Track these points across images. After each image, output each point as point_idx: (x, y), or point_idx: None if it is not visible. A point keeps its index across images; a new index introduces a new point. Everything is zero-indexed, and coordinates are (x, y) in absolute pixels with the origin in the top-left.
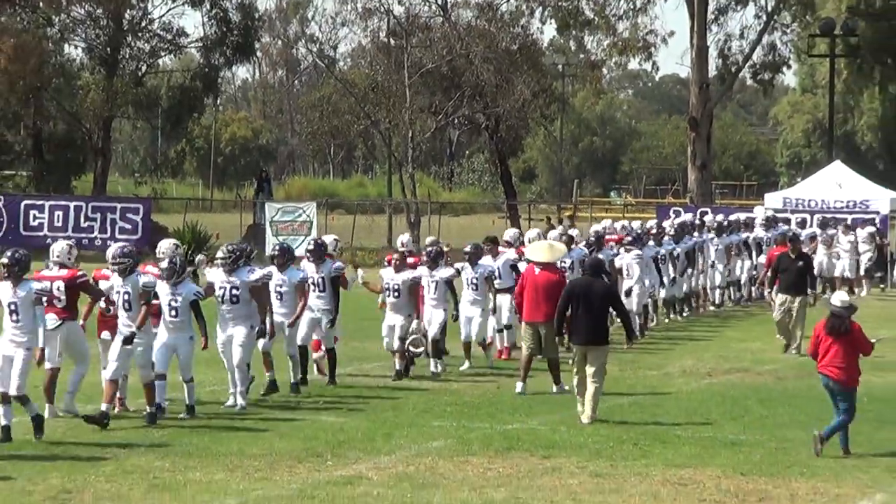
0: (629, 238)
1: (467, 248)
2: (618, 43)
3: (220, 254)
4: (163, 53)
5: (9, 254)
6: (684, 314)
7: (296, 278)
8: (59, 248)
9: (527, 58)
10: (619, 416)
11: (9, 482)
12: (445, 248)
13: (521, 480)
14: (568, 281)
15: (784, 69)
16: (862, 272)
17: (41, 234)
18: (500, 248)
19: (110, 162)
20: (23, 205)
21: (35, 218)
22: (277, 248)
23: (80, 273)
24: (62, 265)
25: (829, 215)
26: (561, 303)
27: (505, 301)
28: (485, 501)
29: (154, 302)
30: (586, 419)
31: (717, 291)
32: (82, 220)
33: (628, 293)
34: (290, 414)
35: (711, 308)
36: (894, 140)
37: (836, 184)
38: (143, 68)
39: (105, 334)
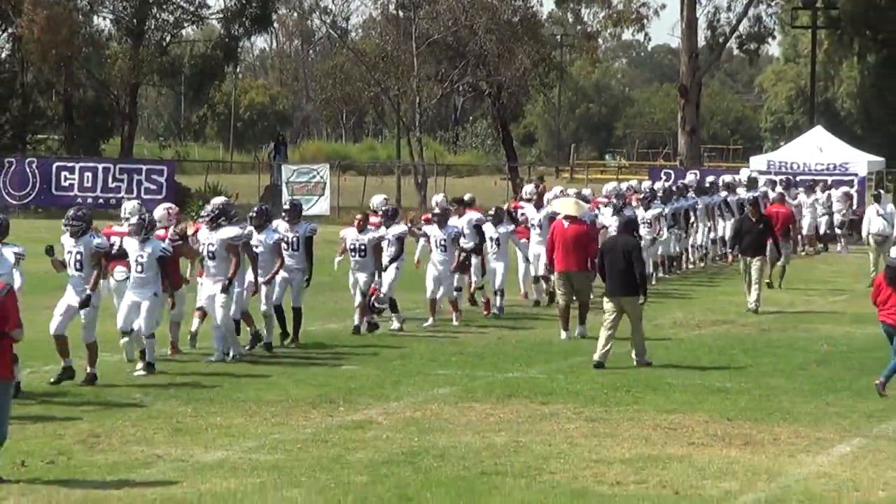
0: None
1: (435, 210)
2: (612, 15)
3: (203, 211)
4: (186, 24)
5: (255, 207)
6: (672, 272)
7: (271, 239)
8: (130, 206)
9: (527, 29)
10: (613, 365)
11: (40, 425)
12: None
13: (521, 425)
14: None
15: (769, 40)
16: (837, 230)
17: (71, 194)
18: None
19: (136, 126)
20: (54, 167)
21: (66, 179)
22: (255, 209)
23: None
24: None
25: (809, 177)
26: (599, 259)
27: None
28: (487, 445)
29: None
30: (599, 359)
31: (699, 250)
32: (110, 181)
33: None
34: (304, 362)
35: (692, 266)
36: (872, 107)
37: (817, 148)
38: (168, 38)
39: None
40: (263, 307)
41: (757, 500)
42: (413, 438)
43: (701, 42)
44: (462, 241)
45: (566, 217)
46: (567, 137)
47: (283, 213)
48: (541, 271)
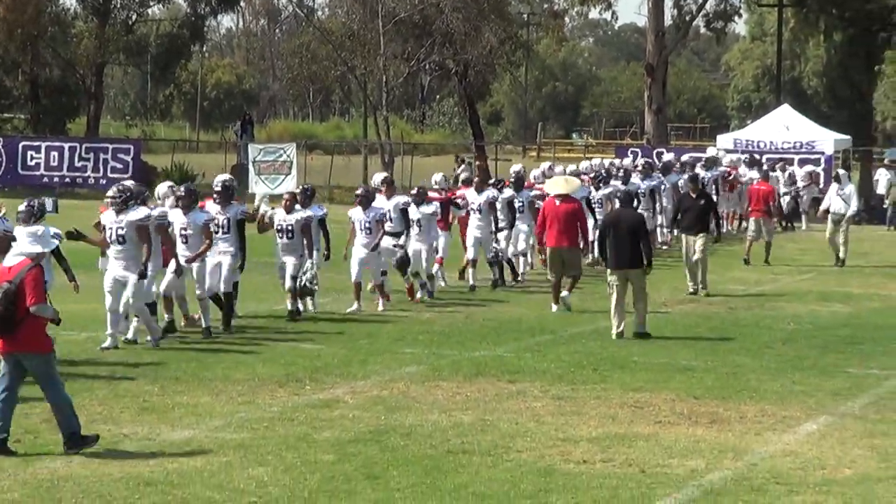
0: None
1: (358, 191)
2: None
3: (109, 193)
4: (152, 3)
5: (183, 187)
6: None
7: (200, 220)
8: (162, 189)
9: (493, 7)
10: (579, 344)
11: None
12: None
13: (488, 403)
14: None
15: (735, 18)
16: (801, 209)
17: (38, 173)
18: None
19: (102, 105)
20: (21, 146)
21: (32, 158)
22: (182, 189)
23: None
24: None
25: (776, 155)
26: (600, 232)
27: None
28: (454, 423)
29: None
30: (615, 334)
31: (666, 229)
32: (76, 160)
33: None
34: (271, 341)
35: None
36: (838, 85)
37: (784, 126)
38: (134, 17)
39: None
40: (198, 291)
41: (723, 479)
42: (380, 417)
43: (668, 21)
44: (388, 225)
45: (557, 196)
46: (534, 116)
47: (214, 194)
48: (470, 255)
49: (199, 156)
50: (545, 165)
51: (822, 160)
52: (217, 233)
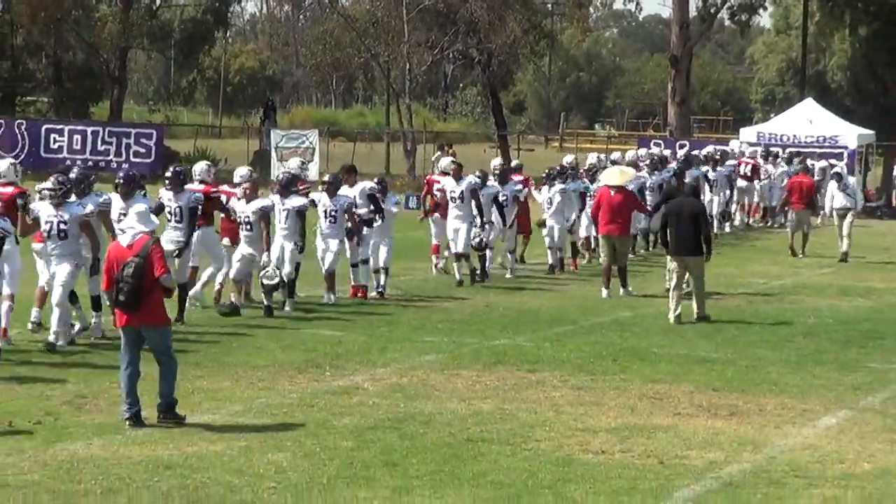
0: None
1: (326, 177)
2: None
3: (47, 184)
4: None
5: (175, 168)
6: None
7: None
8: (199, 167)
9: None
10: (599, 334)
11: (28, 386)
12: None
13: (507, 392)
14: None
15: (760, 11)
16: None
17: (60, 156)
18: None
19: (126, 90)
20: (43, 129)
21: (55, 141)
22: (121, 176)
23: (213, 189)
24: (202, 181)
25: (799, 149)
26: (661, 220)
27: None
28: (473, 412)
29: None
30: (672, 318)
31: None
32: (99, 144)
33: (542, 224)
34: (291, 328)
35: None
36: (862, 79)
37: (808, 120)
38: (158, 2)
39: (225, 241)
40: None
41: (742, 471)
42: (399, 404)
43: (692, 12)
44: (363, 211)
45: (611, 186)
46: (557, 106)
47: (166, 181)
48: (460, 248)
49: (221, 141)
50: (594, 156)
51: (845, 154)
52: (170, 221)
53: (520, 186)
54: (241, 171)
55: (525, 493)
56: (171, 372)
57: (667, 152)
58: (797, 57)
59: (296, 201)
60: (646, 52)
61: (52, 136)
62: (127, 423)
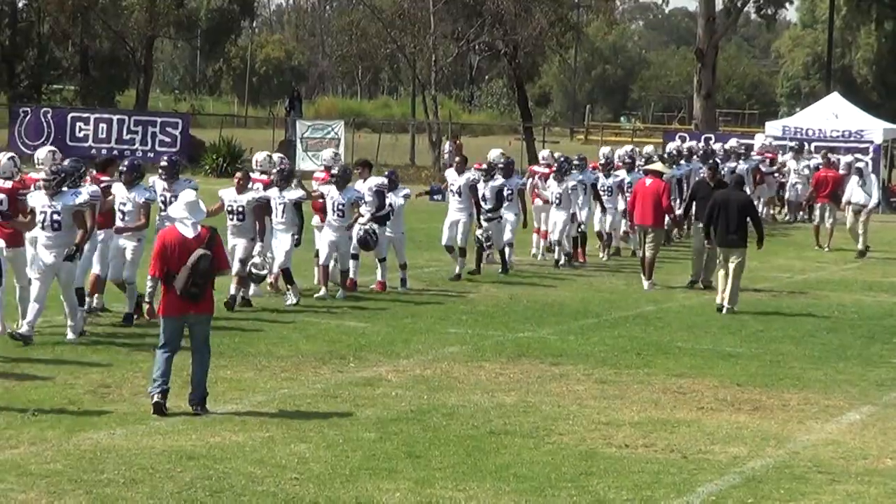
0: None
1: (334, 171)
2: None
3: (42, 175)
4: None
5: (170, 157)
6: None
7: (141, 197)
8: (260, 157)
9: None
10: (623, 328)
11: (52, 374)
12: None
13: (530, 385)
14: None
15: (786, 4)
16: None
17: (85, 145)
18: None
19: (152, 79)
20: (69, 117)
21: (81, 130)
22: (126, 164)
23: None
24: (263, 171)
25: (824, 143)
26: (707, 211)
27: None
28: (496, 404)
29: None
30: (721, 303)
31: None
32: (125, 132)
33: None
34: (315, 318)
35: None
36: (888, 74)
37: (833, 114)
38: None
39: (315, 220)
40: (126, 273)
41: (765, 466)
42: (422, 396)
43: (718, 6)
44: (364, 207)
45: (648, 174)
46: (582, 99)
47: (160, 170)
48: (444, 240)
49: (246, 131)
50: (628, 147)
51: (871, 149)
52: (164, 210)
53: (524, 180)
54: (326, 155)
55: (548, 487)
56: (207, 361)
57: (692, 144)
58: (823, 51)
59: (293, 194)
60: (672, 45)
61: (78, 124)
62: (155, 398)
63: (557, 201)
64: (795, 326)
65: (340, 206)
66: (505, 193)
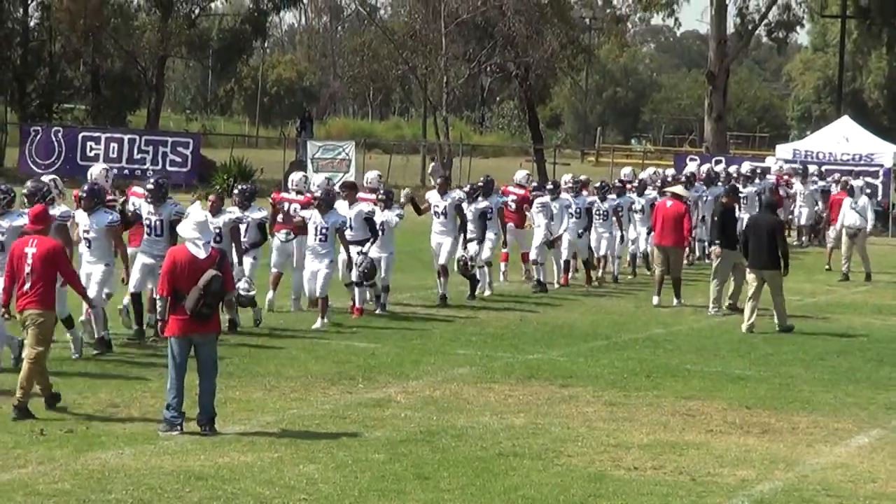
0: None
1: (318, 193)
2: None
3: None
4: None
5: (157, 180)
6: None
7: (104, 222)
8: (297, 177)
9: (556, 11)
10: (633, 350)
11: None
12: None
13: (539, 407)
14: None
15: (797, 28)
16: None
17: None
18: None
19: (163, 98)
20: (80, 136)
21: (91, 149)
22: (85, 189)
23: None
24: (299, 192)
25: (835, 167)
26: (742, 235)
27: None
28: (505, 426)
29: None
30: (745, 328)
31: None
32: (136, 152)
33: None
34: (325, 339)
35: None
36: None
37: (844, 137)
38: (196, 11)
39: None
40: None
41: (774, 489)
42: (431, 417)
43: (730, 29)
44: (349, 233)
45: (670, 196)
46: (593, 121)
47: (147, 193)
48: (441, 260)
49: (258, 151)
50: (650, 170)
51: (881, 173)
52: (150, 235)
53: (505, 198)
54: (370, 176)
55: None
56: (214, 381)
57: (706, 167)
58: (834, 74)
59: (256, 214)
60: (683, 68)
61: (89, 143)
62: (174, 429)
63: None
64: (805, 349)
65: (323, 231)
66: (487, 214)
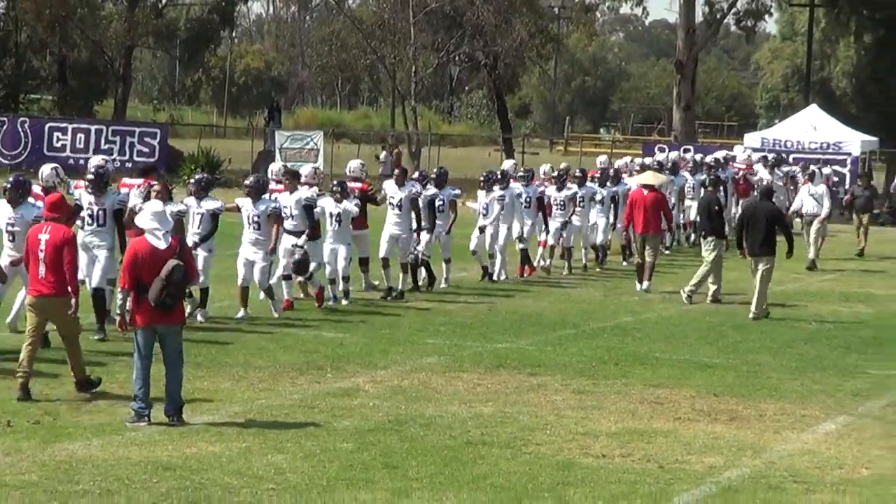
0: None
1: (248, 181)
2: None
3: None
4: None
5: (12, 177)
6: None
7: (30, 216)
8: (355, 164)
9: (524, 0)
10: (601, 338)
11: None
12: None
13: (508, 396)
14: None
15: (766, 17)
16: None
17: (63, 154)
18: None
19: (130, 89)
20: (47, 127)
21: (58, 140)
22: (10, 181)
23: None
24: (356, 178)
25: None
26: (737, 223)
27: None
28: (474, 415)
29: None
30: (752, 313)
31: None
32: (103, 142)
33: (482, 230)
34: (293, 329)
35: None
36: (867, 87)
37: (812, 126)
38: (163, 0)
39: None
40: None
41: (741, 476)
42: (400, 407)
43: (699, 18)
44: (289, 222)
45: (644, 186)
46: (562, 110)
47: (86, 183)
48: (382, 252)
49: (225, 141)
50: (626, 159)
51: (849, 161)
52: (91, 224)
53: (458, 191)
54: (353, 165)
55: (525, 497)
56: (180, 371)
57: (672, 156)
58: (802, 63)
59: (210, 204)
60: (651, 57)
61: (56, 134)
62: (142, 420)
63: (485, 211)
64: (773, 337)
65: (256, 219)
66: (437, 204)
